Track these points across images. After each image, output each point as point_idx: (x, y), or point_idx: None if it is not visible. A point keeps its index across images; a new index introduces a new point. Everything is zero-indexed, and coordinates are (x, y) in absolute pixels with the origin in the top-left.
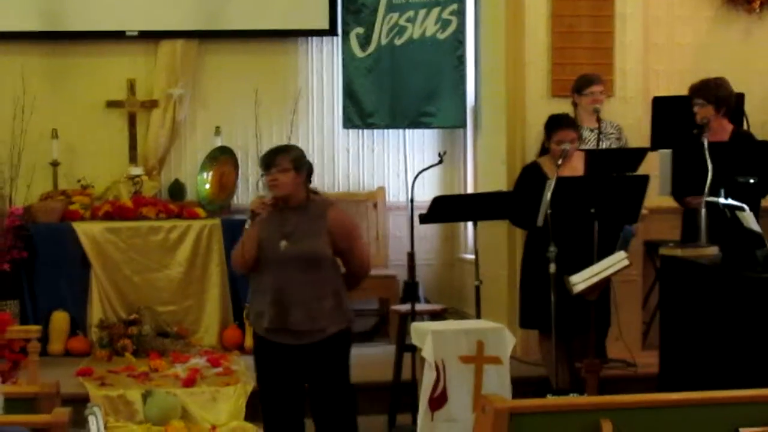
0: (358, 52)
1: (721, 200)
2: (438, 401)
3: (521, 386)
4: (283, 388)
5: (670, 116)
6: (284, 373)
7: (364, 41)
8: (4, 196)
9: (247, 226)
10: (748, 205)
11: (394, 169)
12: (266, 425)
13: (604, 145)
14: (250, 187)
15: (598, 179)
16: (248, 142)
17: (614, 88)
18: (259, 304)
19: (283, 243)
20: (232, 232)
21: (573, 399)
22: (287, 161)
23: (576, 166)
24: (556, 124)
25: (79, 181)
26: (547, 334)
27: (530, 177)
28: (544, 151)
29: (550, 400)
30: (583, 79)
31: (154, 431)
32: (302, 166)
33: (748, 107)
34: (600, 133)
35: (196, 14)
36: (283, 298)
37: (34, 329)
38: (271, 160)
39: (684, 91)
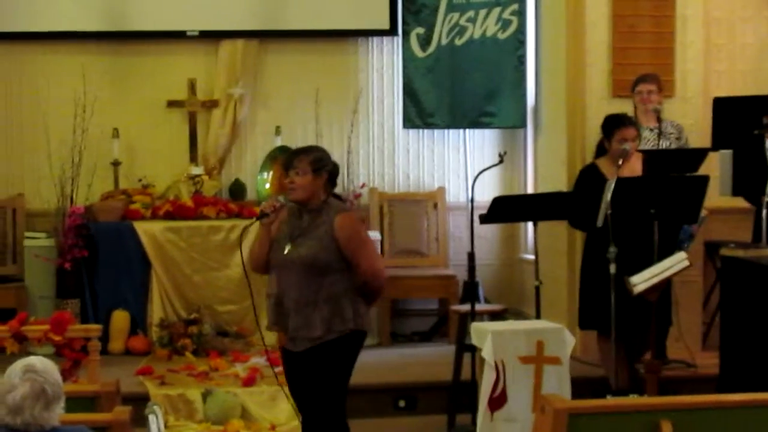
0: (419, 52)
1: None
2: (497, 401)
3: (580, 387)
4: (298, 394)
5: (731, 116)
6: (293, 380)
7: (425, 41)
8: (65, 195)
9: (251, 225)
10: None
11: (454, 169)
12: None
13: (663, 144)
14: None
15: (657, 180)
16: (308, 141)
17: (674, 88)
18: (269, 306)
19: (288, 247)
20: None
21: (632, 400)
22: (305, 163)
23: (634, 167)
24: (617, 122)
25: (139, 180)
26: (606, 335)
27: (588, 179)
28: (599, 152)
29: (610, 400)
30: (637, 78)
31: (214, 430)
32: (322, 168)
33: None
34: (660, 132)
35: (257, 14)
36: (283, 302)
37: (95, 328)
38: (290, 161)
39: (745, 92)
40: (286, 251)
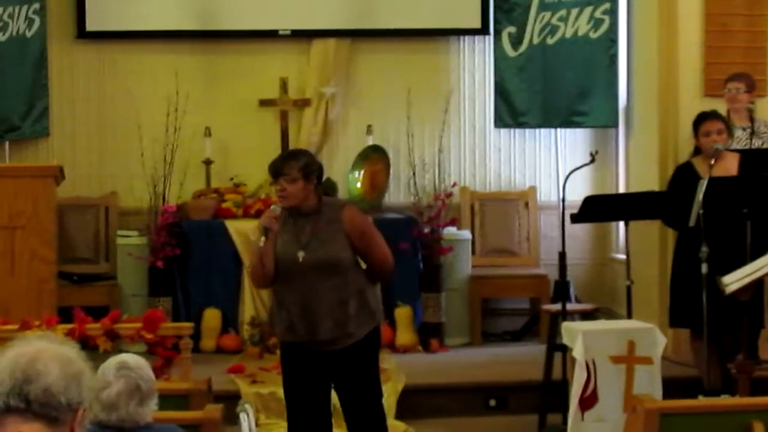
0: (510, 52)
1: None
2: (588, 401)
3: (672, 387)
4: (311, 393)
5: None
6: (311, 377)
7: (516, 40)
8: (158, 193)
9: (261, 243)
10: None
11: (545, 168)
12: (290, 429)
13: (756, 144)
14: (402, 187)
15: (750, 179)
16: (400, 140)
17: (767, 88)
18: (286, 317)
19: (301, 254)
20: (382, 231)
21: (724, 400)
22: (295, 170)
23: (729, 167)
24: (701, 116)
25: (231, 179)
26: (698, 334)
27: (683, 177)
28: (696, 152)
29: (701, 401)
30: (727, 77)
31: None
32: (311, 173)
33: None
34: (752, 132)
35: (349, 13)
36: (310, 310)
37: (187, 326)
38: (278, 168)
39: None
40: (300, 258)
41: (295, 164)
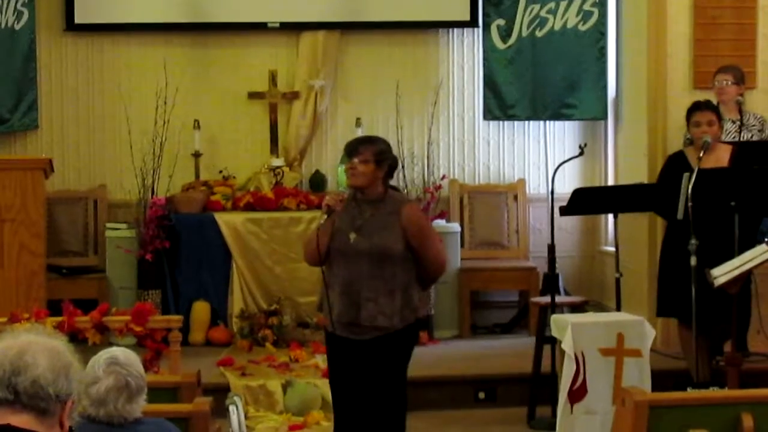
0: (499, 44)
1: None
2: (578, 393)
3: (661, 379)
4: (352, 384)
5: None
6: (352, 368)
7: (505, 33)
8: (146, 186)
9: (322, 221)
10: None
11: (534, 161)
12: (337, 422)
13: (745, 136)
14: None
15: (738, 172)
16: (389, 133)
17: (756, 80)
18: (330, 296)
19: (353, 236)
20: None
21: (713, 392)
22: (369, 153)
23: (720, 158)
24: (693, 107)
25: (220, 171)
26: (686, 326)
27: (675, 165)
28: (690, 141)
29: (691, 393)
30: (716, 69)
31: (294, 421)
32: (384, 160)
33: None
34: (742, 124)
35: (338, 6)
36: (352, 292)
37: (176, 319)
38: (354, 148)
39: None
40: (351, 239)
41: (371, 147)
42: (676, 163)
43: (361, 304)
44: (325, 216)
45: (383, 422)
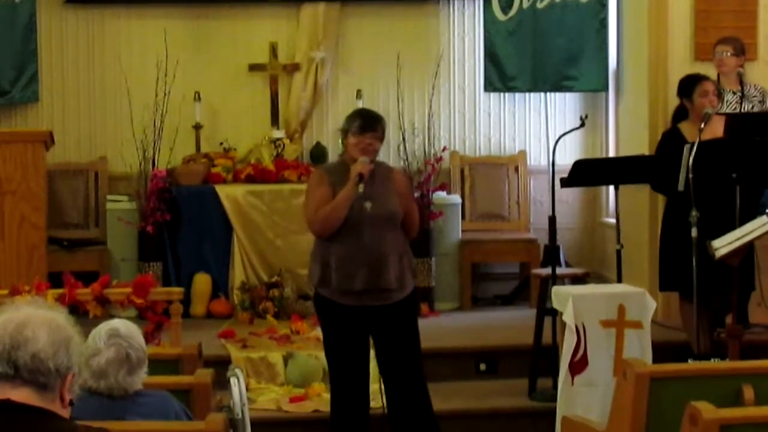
0: (500, 16)
1: None
2: (579, 366)
3: (662, 351)
4: (356, 352)
5: None
6: (357, 336)
7: (506, 5)
8: (147, 158)
9: (360, 189)
10: None
11: (535, 132)
12: (333, 390)
13: (746, 108)
14: (391, 152)
15: (739, 143)
16: (390, 105)
17: (757, 51)
18: (347, 266)
19: (369, 204)
20: None
21: (714, 364)
22: (380, 131)
23: (716, 130)
24: (696, 78)
25: (221, 144)
26: (687, 298)
27: (671, 142)
28: (678, 117)
29: (691, 365)
30: (717, 41)
31: (295, 393)
32: (384, 137)
33: None
34: (742, 95)
35: None
36: (374, 259)
37: (177, 291)
38: (370, 125)
39: None
40: (368, 209)
41: (381, 126)
42: (672, 139)
43: (383, 271)
44: (361, 183)
45: (414, 383)
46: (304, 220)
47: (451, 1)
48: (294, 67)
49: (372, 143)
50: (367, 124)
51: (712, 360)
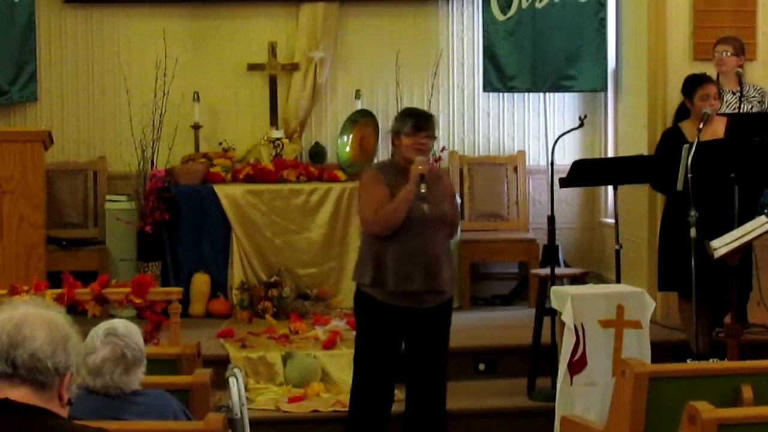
0: (499, 16)
1: None
2: (577, 365)
3: (661, 351)
4: (391, 353)
5: None
6: (394, 338)
7: (505, 4)
8: (146, 158)
9: (423, 189)
10: None
11: (534, 132)
12: (358, 389)
13: (745, 108)
14: (390, 151)
15: (738, 144)
16: (389, 105)
17: (757, 52)
18: (405, 268)
19: (426, 206)
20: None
21: (713, 364)
22: (433, 130)
23: (717, 130)
24: (698, 79)
25: (220, 143)
26: (686, 298)
27: (671, 141)
28: (680, 116)
29: (690, 364)
30: (716, 41)
31: (294, 393)
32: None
33: None
34: (741, 96)
35: None
36: (430, 260)
37: (176, 291)
38: (425, 123)
39: None
40: (426, 210)
41: (433, 124)
42: (673, 138)
43: (437, 272)
44: (423, 183)
45: (437, 387)
46: (360, 220)
47: (450, 1)
48: (293, 67)
49: (426, 142)
50: (420, 123)
51: (711, 360)
